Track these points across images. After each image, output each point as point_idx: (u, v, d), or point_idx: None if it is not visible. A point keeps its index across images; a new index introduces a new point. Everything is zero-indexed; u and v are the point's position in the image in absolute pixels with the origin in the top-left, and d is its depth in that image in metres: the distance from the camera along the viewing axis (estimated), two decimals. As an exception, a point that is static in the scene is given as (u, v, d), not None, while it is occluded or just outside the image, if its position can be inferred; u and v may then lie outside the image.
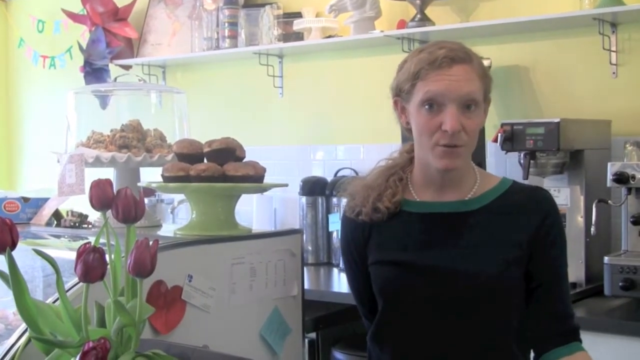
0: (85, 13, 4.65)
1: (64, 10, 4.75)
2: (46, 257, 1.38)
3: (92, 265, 1.27)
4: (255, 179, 2.09)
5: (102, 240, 1.42)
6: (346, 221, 1.94)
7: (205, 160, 2.11)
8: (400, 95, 1.82)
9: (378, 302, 1.88)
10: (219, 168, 2.06)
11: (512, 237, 1.79)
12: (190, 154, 2.12)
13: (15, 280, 1.33)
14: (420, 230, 1.83)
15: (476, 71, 1.76)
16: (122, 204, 1.39)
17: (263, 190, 2.35)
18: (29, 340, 1.50)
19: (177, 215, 4.31)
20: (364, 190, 1.89)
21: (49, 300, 1.62)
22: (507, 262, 1.77)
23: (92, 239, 1.40)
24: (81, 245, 1.30)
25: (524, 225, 1.80)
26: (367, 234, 1.88)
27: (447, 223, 1.82)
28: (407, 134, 1.87)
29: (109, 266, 1.35)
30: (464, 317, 1.77)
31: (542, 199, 1.85)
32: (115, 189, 1.42)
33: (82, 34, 4.75)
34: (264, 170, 2.14)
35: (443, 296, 1.78)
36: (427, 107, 1.74)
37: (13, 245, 1.33)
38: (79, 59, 4.68)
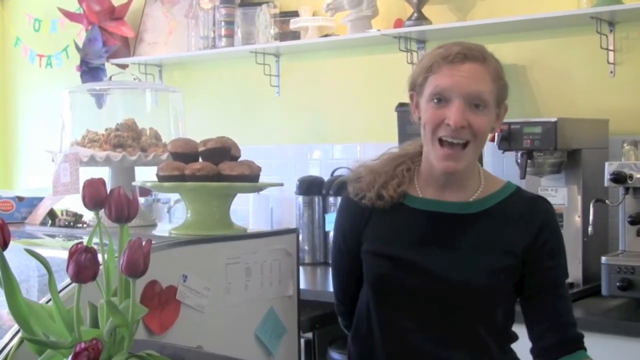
0: (82, 12, 4.64)
1: (60, 9, 4.74)
2: (37, 257, 1.36)
3: (84, 265, 1.26)
4: (250, 178, 2.08)
5: (96, 240, 1.41)
6: (347, 203, 1.93)
7: (200, 160, 2.10)
8: (415, 89, 1.83)
9: (368, 294, 1.88)
10: (214, 167, 2.05)
11: (507, 245, 1.79)
12: (185, 153, 2.11)
13: (7, 280, 1.32)
14: (419, 228, 1.83)
15: (490, 73, 1.76)
16: (115, 204, 1.38)
17: (258, 189, 2.34)
18: (22, 341, 1.49)
19: (173, 214, 4.30)
20: (370, 175, 1.88)
21: (43, 300, 1.61)
22: (498, 271, 1.78)
23: (86, 239, 1.39)
24: (73, 245, 1.28)
25: (520, 235, 1.80)
26: (366, 218, 1.88)
27: (447, 224, 1.82)
28: (418, 129, 1.84)
29: (101, 266, 1.34)
30: (449, 318, 1.79)
31: (541, 209, 1.85)
32: (110, 188, 1.41)
33: (78, 32, 4.74)
34: (259, 169, 2.13)
35: (430, 296, 1.79)
36: (435, 100, 1.75)
37: (5, 245, 1.31)
38: (76, 58, 4.68)
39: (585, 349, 1.80)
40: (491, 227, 1.81)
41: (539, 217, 1.83)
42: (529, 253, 1.79)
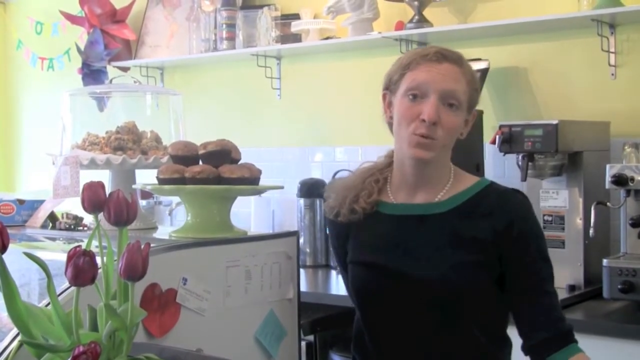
0: (83, 15, 4.64)
1: (62, 12, 4.74)
2: (36, 260, 1.36)
3: (82, 269, 1.26)
4: (250, 181, 2.08)
5: (95, 243, 1.40)
6: (328, 222, 2.01)
7: (200, 162, 2.10)
8: (390, 87, 1.86)
9: (354, 303, 1.92)
10: (214, 170, 2.05)
11: (479, 242, 1.79)
12: (185, 156, 2.11)
13: (5, 283, 1.32)
14: (391, 232, 1.86)
15: (465, 76, 1.81)
16: (114, 207, 1.38)
17: (258, 192, 2.34)
18: (21, 344, 1.49)
19: (175, 217, 4.30)
20: (342, 192, 1.93)
21: (43, 303, 1.61)
22: (468, 265, 1.78)
23: (86, 242, 1.39)
24: (71, 249, 1.28)
25: (490, 227, 1.79)
26: (346, 232, 1.93)
27: (417, 225, 1.84)
28: (389, 130, 1.89)
29: (100, 269, 1.34)
30: (433, 319, 1.79)
31: (512, 202, 1.84)
32: (109, 191, 1.41)
33: (80, 35, 4.75)
34: (260, 172, 2.12)
35: (408, 298, 1.80)
36: (410, 96, 1.79)
37: (4, 249, 1.31)
38: (77, 61, 4.68)
39: (576, 342, 1.79)
40: (461, 224, 1.81)
41: (510, 209, 1.81)
42: (503, 247, 1.78)
